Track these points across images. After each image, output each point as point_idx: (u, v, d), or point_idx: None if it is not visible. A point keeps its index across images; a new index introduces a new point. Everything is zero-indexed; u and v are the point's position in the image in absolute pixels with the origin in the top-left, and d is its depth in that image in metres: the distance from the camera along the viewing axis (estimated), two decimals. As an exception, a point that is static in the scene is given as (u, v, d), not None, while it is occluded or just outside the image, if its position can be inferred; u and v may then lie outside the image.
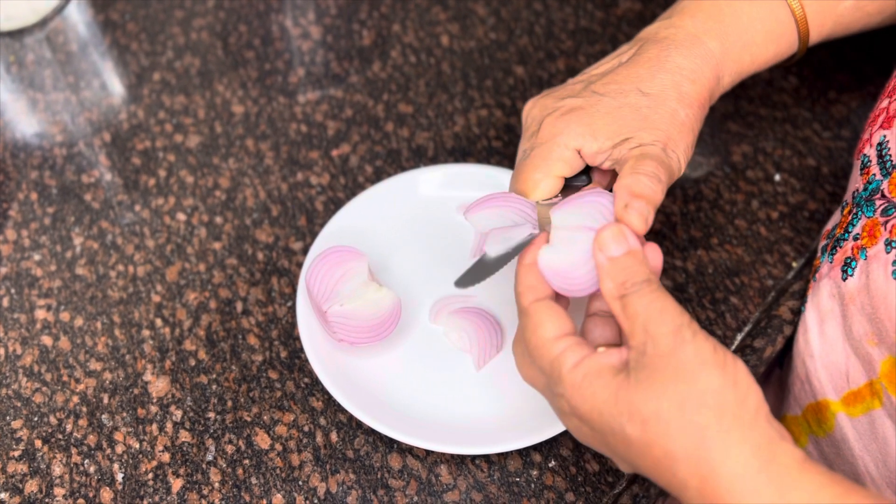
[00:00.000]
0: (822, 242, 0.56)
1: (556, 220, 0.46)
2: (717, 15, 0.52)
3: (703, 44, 0.51)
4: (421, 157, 0.66)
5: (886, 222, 0.47)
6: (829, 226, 0.57)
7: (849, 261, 0.50)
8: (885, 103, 0.52)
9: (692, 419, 0.36)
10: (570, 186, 0.51)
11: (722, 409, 0.36)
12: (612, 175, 0.51)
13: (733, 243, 0.61)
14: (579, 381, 0.39)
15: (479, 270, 0.47)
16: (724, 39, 0.51)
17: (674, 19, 0.53)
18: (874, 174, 0.50)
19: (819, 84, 0.70)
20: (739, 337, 0.57)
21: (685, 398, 0.36)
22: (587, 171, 0.51)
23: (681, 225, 0.62)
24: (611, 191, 0.47)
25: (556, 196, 0.50)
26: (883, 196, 0.49)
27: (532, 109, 0.52)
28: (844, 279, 0.50)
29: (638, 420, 0.37)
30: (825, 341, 0.52)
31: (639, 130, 0.48)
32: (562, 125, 0.49)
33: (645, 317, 0.39)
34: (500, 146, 0.66)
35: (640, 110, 0.48)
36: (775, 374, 0.66)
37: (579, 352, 0.40)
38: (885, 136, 0.50)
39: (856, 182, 0.53)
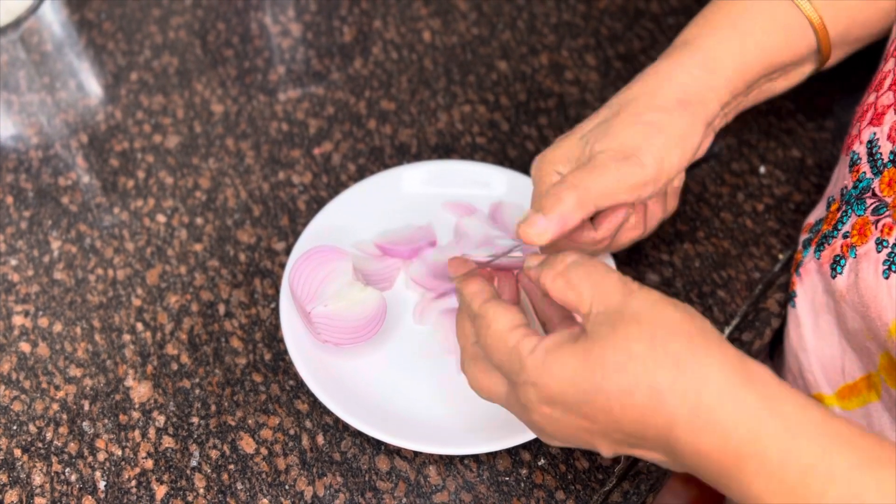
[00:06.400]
0: (805, 236, 0.56)
1: None
2: (711, 18, 0.52)
3: (690, 44, 0.50)
4: (404, 155, 0.65)
5: (877, 221, 0.47)
6: (811, 219, 0.57)
7: (838, 258, 0.49)
8: (871, 98, 0.51)
9: (665, 350, 0.37)
10: None
11: (689, 335, 0.37)
12: None
13: (719, 236, 0.61)
14: (542, 359, 0.39)
15: None
16: (715, 33, 0.51)
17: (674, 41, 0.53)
18: (864, 172, 0.50)
19: (802, 75, 0.69)
20: (727, 330, 0.57)
21: (652, 334, 0.37)
22: None
23: (666, 219, 0.62)
24: None
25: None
26: (874, 194, 0.48)
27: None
28: (833, 277, 0.49)
29: (613, 370, 0.37)
30: (820, 335, 0.52)
31: (595, 143, 0.48)
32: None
33: (591, 279, 0.40)
34: (484, 142, 0.66)
35: (606, 122, 0.48)
36: (764, 367, 0.66)
37: (535, 337, 0.41)
38: (874, 134, 0.49)
39: (844, 178, 0.52)
